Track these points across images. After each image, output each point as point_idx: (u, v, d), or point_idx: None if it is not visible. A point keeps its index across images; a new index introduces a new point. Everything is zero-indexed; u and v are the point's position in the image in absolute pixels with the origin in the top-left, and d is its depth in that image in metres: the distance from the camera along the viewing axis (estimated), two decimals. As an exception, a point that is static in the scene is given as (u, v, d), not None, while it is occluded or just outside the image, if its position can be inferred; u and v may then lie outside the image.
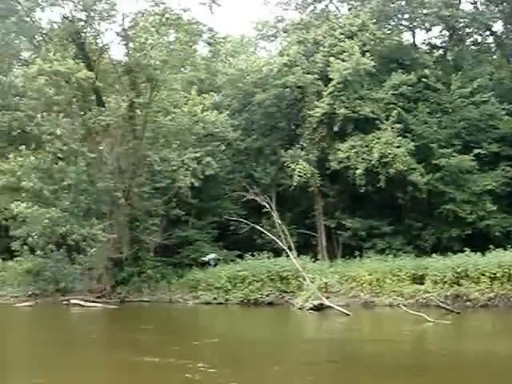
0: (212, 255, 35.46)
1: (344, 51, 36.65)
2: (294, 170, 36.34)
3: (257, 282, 32.26)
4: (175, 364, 15.10)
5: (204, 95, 37.43)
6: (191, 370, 14.02)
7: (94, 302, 32.31)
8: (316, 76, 37.84)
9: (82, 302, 31.70)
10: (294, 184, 36.24)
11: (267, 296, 31.93)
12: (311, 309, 27.42)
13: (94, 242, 32.94)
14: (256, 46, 48.02)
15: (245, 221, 35.92)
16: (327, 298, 28.14)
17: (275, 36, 45.37)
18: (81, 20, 34.66)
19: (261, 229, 34.53)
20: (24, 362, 16.67)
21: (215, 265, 35.18)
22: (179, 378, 13.56)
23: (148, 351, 17.52)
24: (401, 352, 18.26)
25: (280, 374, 14.46)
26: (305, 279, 29.37)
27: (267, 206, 33.89)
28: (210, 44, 39.60)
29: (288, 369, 15.22)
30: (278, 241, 32.08)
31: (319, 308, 27.31)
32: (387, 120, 35.71)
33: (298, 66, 37.95)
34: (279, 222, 33.56)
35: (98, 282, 35.20)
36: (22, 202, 31.57)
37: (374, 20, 38.67)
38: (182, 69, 37.93)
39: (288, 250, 31.53)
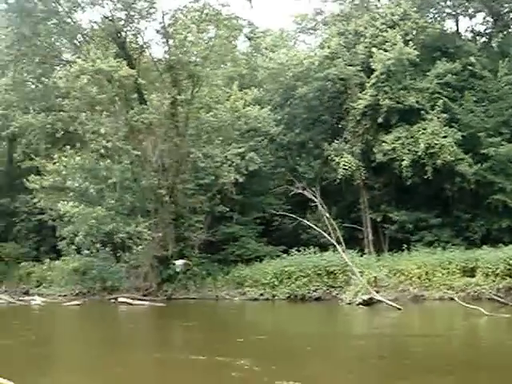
0: (180, 261, 35.02)
1: (386, 41, 35.98)
2: (338, 163, 35.83)
3: (304, 277, 31.91)
4: (222, 362, 14.81)
5: (245, 90, 37.21)
6: (237, 368, 13.73)
7: (141, 299, 32.36)
8: (358, 67, 37.26)
9: (129, 300, 31.78)
10: (339, 177, 35.73)
11: (314, 291, 31.56)
12: (360, 303, 26.96)
13: (140, 240, 32.97)
14: (295, 39, 47.62)
15: (292, 215, 35.54)
16: (376, 292, 27.61)
17: (315, 29, 44.91)
18: (121, 19, 34.72)
19: (308, 223, 34.14)
20: (77, 360, 16.60)
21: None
22: (225, 376, 13.29)
23: (195, 349, 17.35)
24: (456, 347, 17.70)
25: (328, 370, 14.05)
26: (354, 273, 28.86)
27: (315, 199, 33.46)
28: (250, 39, 39.34)
29: (336, 365, 14.84)
30: (326, 235, 31.70)
31: (369, 303, 26.84)
32: (432, 110, 34.91)
33: (339, 58, 37.42)
34: (327, 215, 33.11)
35: (144, 279, 35.24)
36: (68, 202, 31.73)
37: (416, 8, 37.91)
38: (223, 64, 37.77)
39: (336, 244, 31.04)
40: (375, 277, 28.08)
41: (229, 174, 34.38)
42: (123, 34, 35.10)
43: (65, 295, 36.89)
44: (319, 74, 37.72)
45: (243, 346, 17.87)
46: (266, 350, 16.94)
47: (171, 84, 33.91)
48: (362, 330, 22.73)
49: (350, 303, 27.91)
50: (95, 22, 35.54)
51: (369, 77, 36.42)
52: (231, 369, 13.70)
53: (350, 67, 37.12)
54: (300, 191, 34.58)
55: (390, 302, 25.75)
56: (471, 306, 23.68)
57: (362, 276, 28.57)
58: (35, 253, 44.94)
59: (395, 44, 35.27)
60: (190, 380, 13.52)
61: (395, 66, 35.08)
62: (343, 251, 30.85)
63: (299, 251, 33.61)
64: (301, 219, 34.89)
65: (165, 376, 14.04)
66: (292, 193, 35.95)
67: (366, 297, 26.98)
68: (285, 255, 34.48)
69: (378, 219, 36.69)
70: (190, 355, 16.05)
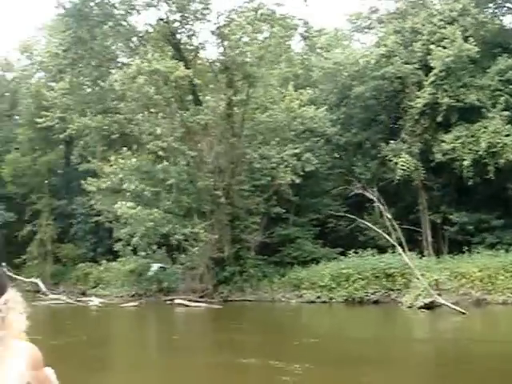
0: (155, 266, 34.45)
1: (445, 38, 35.04)
2: (396, 163, 35.06)
3: (361, 279, 31.39)
4: (274, 366, 14.43)
5: (300, 91, 36.79)
6: (290, 373, 13.35)
7: (197, 301, 32.21)
8: (415, 66, 36.46)
9: (186, 302, 31.65)
10: (397, 178, 34.94)
11: (373, 294, 31.01)
12: (422, 307, 26.19)
13: (196, 241, 32.87)
14: (350, 38, 46.95)
15: (351, 216, 34.98)
16: (438, 295, 26.82)
17: (370, 27, 44.14)
18: (175, 21, 34.72)
19: (368, 224, 33.46)
20: (131, 361, 16.50)
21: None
22: (276, 380, 12.92)
23: (249, 352, 17.25)
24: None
25: (379, 377, 13.47)
26: (416, 276, 28.09)
27: (375, 199, 32.82)
28: (305, 38, 38.82)
29: (392, 372, 14.21)
30: (386, 236, 30.98)
31: (430, 306, 26.08)
32: (494, 108, 33.91)
33: (396, 56, 36.67)
34: (388, 215, 32.33)
35: (200, 281, 35.17)
36: (126, 203, 31.83)
37: (474, 4, 36.85)
38: (278, 65, 37.43)
39: (397, 246, 30.29)
40: (436, 280, 27.25)
41: (285, 174, 33.97)
42: (178, 35, 35.11)
43: (121, 296, 37.07)
44: (376, 73, 37.01)
45: (298, 350, 17.51)
46: (321, 355, 16.52)
47: (226, 85, 33.71)
48: (424, 334, 22.08)
49: (410, 307, 27.20)
50: (150, 25, 35.68)
51: (427, 75, 35.55)
52: (283, 373, 13.33)
53: (408, 65, 36.31)
54: (360, 191, 33.92)
55: (454, 306, 24.91)
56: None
57: (422, 279, 27.74)
58: (92, 254, 45.45)
59: (454, 41, 34.32)
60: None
61: (454, 63, 34.15)
62: (406, 254, 30.01)
63: (357, 253, 33.09)
64: (360, 220, 34.31)
65: (214, 380, 13.76)
66: (351, 193, 35.34)
67: (427, 300, 26.21)
68: (342, 257, 33.96)
69: (438, 220, 35.84)
70: (243, 358, 15.82)
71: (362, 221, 34.02)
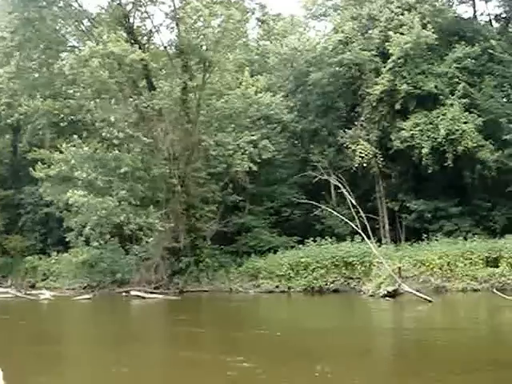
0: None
1: (403, 25, 34.80)
2: (354, 150, 34.71)
3: (320, 268, 31.01)
4: (224, 360, 13.59)
5: (257, 77, 36.08)
6: (236, 368, 12.59)
7: (153, 293, 31.24)
8: (373, 52, 36.12)
9: (142, 294, 30.67)
10: (355, 165, 34.60)
11: (332, 283, 30.71)
12: (385, 295, 25.73)
13: (151, 231, 31.89)
14: (306, 26, 46.39)
15: (316, 204, 34.49)
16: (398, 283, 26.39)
17: (325, 15, 43.74)
18: (129, 2, 33.59)
19: (333, 211, 32.88)
20: (86, 357, 15.57)
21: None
22: (220, 375, 12.19)
23: (202, 346, 16.71)
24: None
25: (336, 370, 12.56)
26: (383, 264, 27.55)
27: (341, 186, 32.38)
28: (262, 22, 38.06)
29: (350, 364, 13.32)
30: (352, 224, 30.48)
31: (393, 294, 25.64)
32: (452, 95, 33.78)
33: (353, 42, 36.28)
34: (353, 201, 31.82)
35: (155, 272, 34.18)
36: (77, 191, 30.64)
37: (432, -9, 36.69)
38: (234, 50, 36.54)
39: (362, 233, 29.81)
40: (399, 267, 26.85)
41: (242, 162, 33.24)
42: (131, 18, 33.96)
43: (73, 289, 35.90)
44: (333, 60, 36.59)
45: (253, 343, 16.63)
46: (276, 348, 15.67)
47: (182, 69, 32.72)
48: (390, 323, 21.46)
49: (372, 295, 26.79)
50: (102, 7, 34.47)
51: (384, 62, 35.28)
52: (229, 368, 12.56)
53: (365, 52, 35.97)
54: (325, 178, 33.41)
55: (421, 294, 24.45)
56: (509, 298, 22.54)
57: (388, 266, 27.28)
58: (41, 245, 44.06)
59: (412, 27, 34.11)
60: (183, 379, 12.40)
61: (413, 49, 33.95)
62: (369, 240, 29.56)
63: (315, 241, 32.59)
64: (324, 207, 33.89)
65: (164, 375, 12.97)
66: (314, 180, 34.80)
67: (390, 288, 25.77)
68: (300, 246, 33.44)
69: (395, 208, 35.63)
70: (196, 352, 15.10)
71: (327, 208, 33.50)
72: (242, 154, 33.63)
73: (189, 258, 33.63)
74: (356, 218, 30.80)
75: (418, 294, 24.58)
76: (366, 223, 30.68)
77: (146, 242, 33.33)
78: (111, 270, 35.25)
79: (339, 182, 32.50)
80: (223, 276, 33.57)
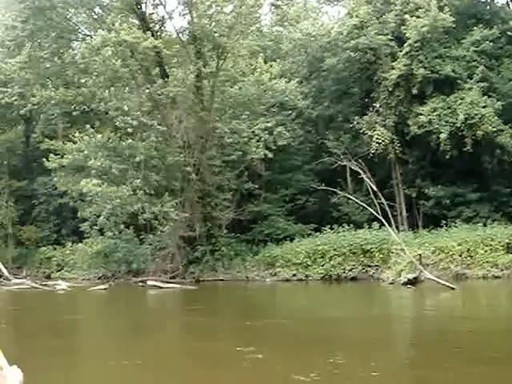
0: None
1: (419, 8, 34.13)
2: (371, 136, 34.20)
3: (338, 256, 30.61)
4: (241, 351, 13.10)
5: (271, 63, 35.55)
6: (250, 358, 12.18)
7: (170, 282, 30.88)
8: (389, 37, 35.47)
9: (158, 284, 30.31)
10: (372, 152, 34.09)
11: (350, 271, 30.30)
12: (406, 283, 25.27)
13: (166, 220, 31.55)
14: (319, 11, 45.79)
15: (334, 190, 34.10)
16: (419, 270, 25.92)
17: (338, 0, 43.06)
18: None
19: (352, 197, 32.47)
20: (114, 350, 15.24)
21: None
22: (236, 364, 11.83)
23: (219, 336, 16.33)
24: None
25: (351, 360, 12.11)
26: (401, 250, 27.11)
27: (361, 172, 31.94)
28: (276, 7, 37.41)
29: (368, 353, 12.75)
30: (372, 211, 30.03)
31: (413, 282, 25.19)
32: (470, 79, 33.16)
33: (368, 27, 35.64)
34: (373, 187, 31.36)
35: (171, 261, 33.91)
36: (91, 180, 30.36)
37: (447, -27, 35.96)
38: (247, 36, 36.02)
39: (383, 220, 29.33)
40: (420, 254, 26.37)
41: (257, 149, 32.78)
42: (143, 5, 33.51)
43: (88, 279, 35.64)
44: (348, 45, 35.94)
45: (269, 333, 16.23)
46: (293, 337, 15.25)
47: (195, 56, 32.21)
48: (413, 311, 21.00)
49: (392, 283, 26.36)
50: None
51: (400, 46, 34.68)
52: (244, 359, 12.16)
53: (381, 36, 35.33)
54: (346, 163, 33.02)
55: (444, 282, 23.95)
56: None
57: (409, 253, 26.79)
58: (56, 236, 43.86)
59: (429, 10, 33.42)
60: (199, 371, 12.03)
61: (430, 33, 33.27)
62: (390, 227, 29.09)
63: (332, 229, 32.18)
64: (342, 194, 33.37)
65: (171, 365, 12.61)
66: (333, 166, 34.36)
67: (411, 276, 25.31)
68: (317, 234, 33.04)
69: (413, 195, 35.11)
70: (214, 343, 14.73)
71: (345, 194, 33.03)
72: (257, 141, 33.16)
73: (204, 246, 33.28)
74: (376, 204, 30.33)
75: (440, 281, 24.08)
76: (387, 209, 30.18)
77: (161, 231, 33.04)
78: (126, 259, 34.97)
79: (359, 168, 31.94)
80: (239, 264, 33.24)
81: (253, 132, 33.26)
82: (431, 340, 14.71)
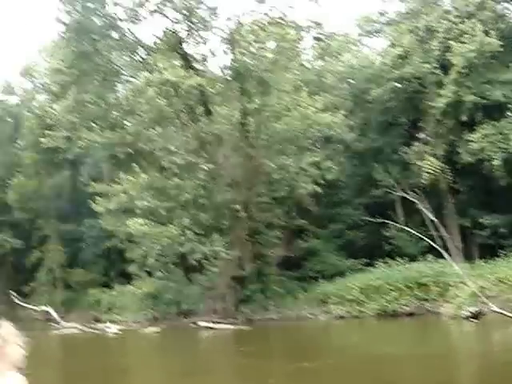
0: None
1: (464, 33, 33.50)
2: (420, 167, 33.41)
3: (393, 291, 29.69)
4: None
5: (315, 97, 35.11)
6: None
7: (223, 323, 30.20)
8: (434, 64, 34.87)
9: (211, 325, 29.66)
10: (423, 182, 33.27)
11: (406, 306, 29.27)
12: (469, 317, 24.19)
13: (216, 259, 31.02)
14: (360, 43, 45.40)
15: (394, 223, 33.24)
16: (484, 303, 24.83)
17: (378, 31, 42.68)
18: (183, 30, 33.17)
19: (411, 230, 31.41)
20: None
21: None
22: None
23: (272, 380, 15.84)
24: None
25: None
26: (461, 283, 26.11)
27: (418, 203, 31.25)
28: (318, 40, 37.09)
29: None
30: (430, 242, 29.24)
31: (476, 316, 24.10)
32: (521, 103, 32.30)
33: (412, 55, 35.10)
34: (432, 218, 30.49)
35: (221, 301, 33.29)
36: (138, 220, 30.12)
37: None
38: (290, 71, 35.73)
39: (444, 252, 28.44)
40: (482, 286, 25.31)
41: (306, 184, 32.22)
42: (185, 44, 33.53)
43: (138, 322, 35.19)
44: (392, 75, 35.45)
45: (323, 375, 15.54)
46: (351, 379, 14.56)
47: (239, 93, 31.96)
48: (481, 348, 19.97)
49: (453, 317, 25.30)
50: (156, 36, 34.09)
51: (445, 74, 34.02)
52: None
53: (426, 64, 34.75)
54: (401, 194, 32.35)
55: (511, 314, 22.82)
56: None
57: (472, 285, 25.73)
58: (104, 278, 43.72)
59: (475, 35, 32.79)
60: None
61: (477, 58, 32.56)
62: (451, 258, 28.12)
63: (386, 263, 31.31)
64: (398, 225, 32.54)
65: None
66: (383, 199, 33.63)
67: (473, 309, 24.24)
68: (369, 268, 32.21)
69: (467, 225, 34.09)
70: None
71: (401, 226, 32.19)
72: (305, 176, 32.63)
73: (255, 285, 32.69)
74: (434, 235, 29.43)
75: (507, 313, 22.96)
76: (446, 240, 29.22)
77: (210, 270, 32.52)
78: (176, 300, 34.50)
79: (416, 198, 31.15)
80: (291, 302, 32.53)
81: (300, 167, 32.72)
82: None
